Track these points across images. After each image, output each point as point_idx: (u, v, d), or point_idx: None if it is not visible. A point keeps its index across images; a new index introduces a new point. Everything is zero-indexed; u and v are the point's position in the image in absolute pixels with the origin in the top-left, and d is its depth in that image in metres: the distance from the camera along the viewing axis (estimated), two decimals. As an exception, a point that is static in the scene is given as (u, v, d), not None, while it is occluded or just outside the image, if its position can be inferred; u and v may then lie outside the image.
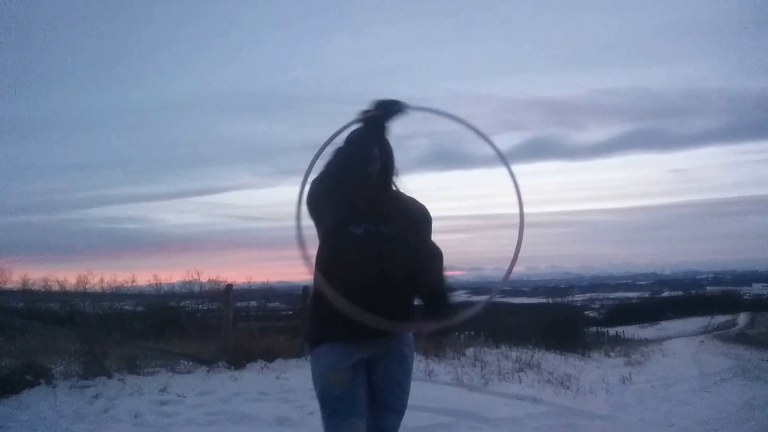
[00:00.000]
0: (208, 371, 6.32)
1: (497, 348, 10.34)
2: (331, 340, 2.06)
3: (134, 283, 11.65)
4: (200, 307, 10.63)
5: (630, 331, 41.14)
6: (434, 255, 2.22)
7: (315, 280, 2.02)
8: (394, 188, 2.20)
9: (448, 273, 2.21)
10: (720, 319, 64.74)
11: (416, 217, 2.21)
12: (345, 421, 1.95)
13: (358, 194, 2.10)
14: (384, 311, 1.92)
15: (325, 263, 2.08)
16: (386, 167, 2.14)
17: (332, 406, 1.99)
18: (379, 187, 2.13)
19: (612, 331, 32.50)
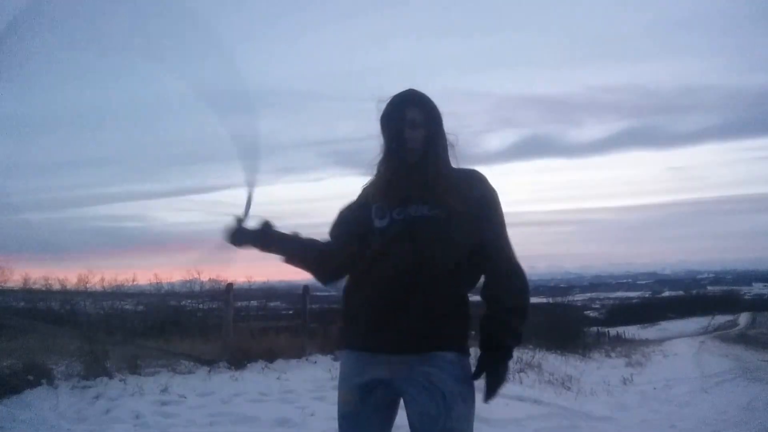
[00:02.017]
0: (209, 372, 6.32)
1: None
2: (349, 346, 1.72)
3: (135, 282, 11.63)
4: (201, 306, 10.63)
5: (631, 331, 41.13)
6: (505, 263, 1.63)
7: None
8: (449, 164, 1.71)
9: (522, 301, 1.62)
10: (721, 319, 64.71)
11: (471, 195, 1.63)
12: None
13: (395, 169, 1.67)
14: (404, 322, 1.55)
15: (354, 267, 1.74)
16: (432, 135, 1.67)
17: (340, 424, 1.73)
18: (423, 159, 1.66)
19: (613, 331, 32.49)
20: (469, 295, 1.71)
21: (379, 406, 1.66)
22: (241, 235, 1.72)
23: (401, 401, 1.69)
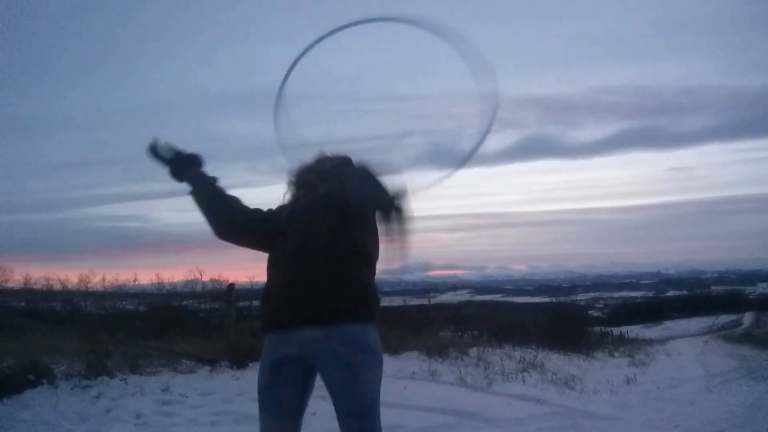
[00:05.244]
0: (211, 371, 6.31)
1: (501, 348, 10.28)
2: (266, 331, 1.99)
3: (136, 282, 11.59)
4: (202, 306, 10.61)
5: (634, 330, 41.02)
6: None
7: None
8: None
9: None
10: (725, 318, 64.44)
11: None
12: (267, 422, 1.93)
13: None
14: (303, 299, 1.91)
15: None
16: None
17: (259, 402, 1.96)
18: None
19: (616, 330, 32.37)
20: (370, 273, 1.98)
21: (290, 379, 1.92)
22: (165, 149, 1.98)
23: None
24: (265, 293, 2.01)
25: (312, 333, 1.84)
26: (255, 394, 5.61)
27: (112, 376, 5.49)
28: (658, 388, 8.42)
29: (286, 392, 1.92)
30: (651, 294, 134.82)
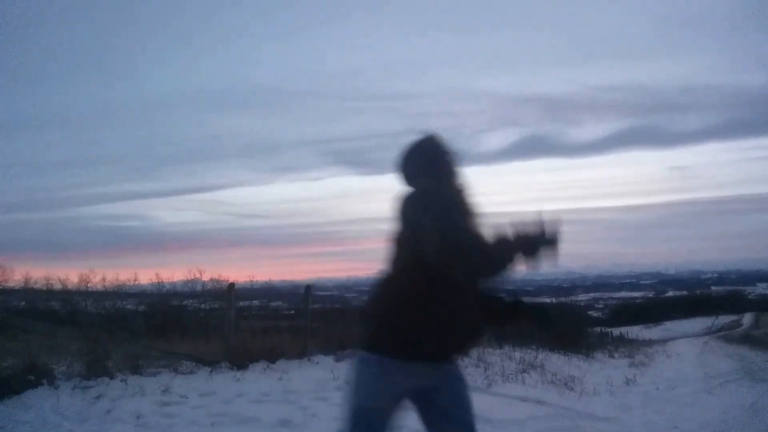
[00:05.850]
0: (211, 372, 6.31)
1: (501, 348, 10.29)
2: (390, 353, 1.82)
3: (136, 282, 11.59)
4: (202, 306, 10.61)
5: (634, 331, 40.96)
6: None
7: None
8: None
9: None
10: (724, 319, 64.48)
11: None
12: None
13: None
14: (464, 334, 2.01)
15: None
16: None
17: (356, 414, 1.83)
18: None
19: (616, 331, 32.32)
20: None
21: (400, 407, 1.92)
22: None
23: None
24: (408, 314, 1.82)
25: (452, 366, 2.02)
26: (255, 396, 5.60)
27: (112, 377, 5.50)
28: (658, 389, 8.42)
29: (392, 420, 1.91)
30: (651, 294, 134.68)
